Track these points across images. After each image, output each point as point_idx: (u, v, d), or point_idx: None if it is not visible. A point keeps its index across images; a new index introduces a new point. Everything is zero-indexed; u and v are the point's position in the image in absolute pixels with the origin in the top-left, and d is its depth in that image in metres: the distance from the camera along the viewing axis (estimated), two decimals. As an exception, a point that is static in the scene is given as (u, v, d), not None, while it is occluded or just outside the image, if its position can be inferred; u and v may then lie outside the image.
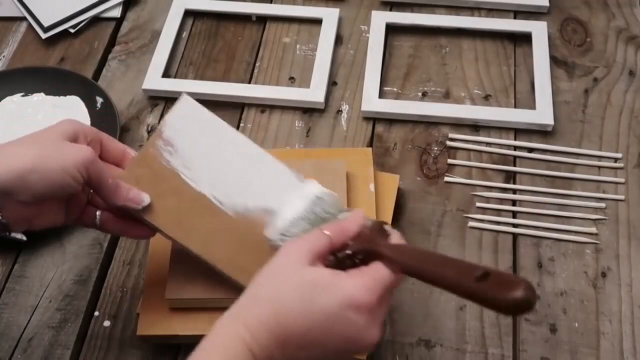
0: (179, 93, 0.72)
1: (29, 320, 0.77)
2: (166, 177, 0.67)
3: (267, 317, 0.54)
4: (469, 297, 0.51)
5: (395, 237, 0.60)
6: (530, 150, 0.88)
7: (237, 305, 0.56)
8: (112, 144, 0.68)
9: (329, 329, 0.54)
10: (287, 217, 0.66)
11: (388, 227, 0.60)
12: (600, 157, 0.88)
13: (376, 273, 0.56)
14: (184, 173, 0.68)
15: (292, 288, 0.55)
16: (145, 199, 0.65)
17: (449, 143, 0.89)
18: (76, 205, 0.66)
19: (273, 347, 0.54)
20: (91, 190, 0.66)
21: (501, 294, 0.48)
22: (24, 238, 0.81)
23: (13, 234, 0.80)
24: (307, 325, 0.54)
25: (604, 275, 0.79)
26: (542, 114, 0.90)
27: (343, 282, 0.55)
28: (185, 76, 0.97)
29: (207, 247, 0.67)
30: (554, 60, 0.96)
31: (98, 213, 0.67)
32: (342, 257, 0.59)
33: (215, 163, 0.68)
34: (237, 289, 0.70)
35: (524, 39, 0.98)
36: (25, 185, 0.59)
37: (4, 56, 1.00)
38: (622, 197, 0.84)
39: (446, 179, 0.86)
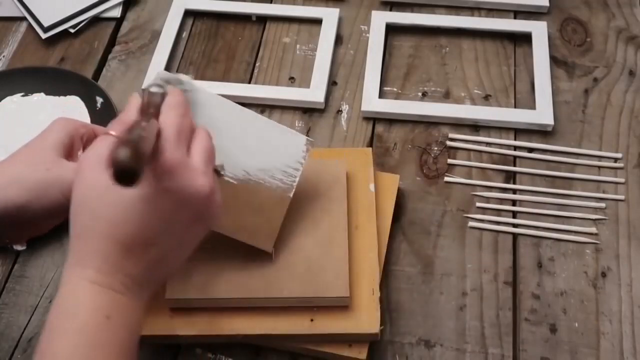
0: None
1: (29, 320, 0.77)
2: None
3: (99, 244, 0.52)
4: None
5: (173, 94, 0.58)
6: (530, 150, 0.88)
7: (70, 251, 0.54)
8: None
9: (154, 209, 0.53)
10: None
11: (154, 89, 0.58)
12: (600, 157, 0.88)
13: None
14: None
15: (104, 201, 0.52)
16: None
17: (449, 143, 0.89)
18: None
19: (117, 263, 0.53)
20: None
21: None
22: (25, 246, 0.81)
23: (14, 245, 0.80)
24: (134, 219, 0.53)
25: (604, 275, 0.79)
26: (542, 114, 0.90)
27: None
28: (185, 76, 0.97)
29: None
30: (554, 60, 0.96)
31: None
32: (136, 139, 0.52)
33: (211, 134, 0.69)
34: (237, 288, 0.70)
35: (524, 39, 0.98)
36: (26, 214, 0.60)
37: (4, 56, 1.00)
38: (622, 197, 0.84)
39: (446, 179, 0.86)
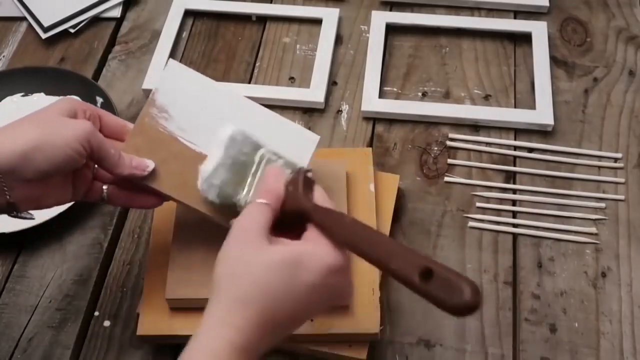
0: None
1: (29, 320, 0.77)
2: (165, 143, 0.68)
3: (258, 315, 0.53)
4: (413, 291, 0.51)
5: (318, 191, 0.60)
6: (530, 150, 0.88)
7: (220, 311, 0.55)
8: (111, 119, 0.69)
9: (313, 299, 0.55)
10: (207, 169, 0.65)
11: (311, 174, 0.60)
12: (600, 157, 0.88)
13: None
14: (181, 136, 0.68)
15: (272, 276, 0.54)
16: (150, 164, 0.66)
17: (449, 143, 0.89)
18: (83, 181, 0.67)
19: (263, 335, 0.54)
20: (96, 165, 0.67)
21: (446, 296, 0.47)
22: (33, 217, 0.80)
23: (22, 214, 0.79)
24: (295, 303, 0.54)
25: (604, 275, 0.79)
26: (542, 114, 0.90)
27: (314, 252, 0.55)
28: (185, 76, 0.97)
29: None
30: (554, 60, 0.96)
31: (105, 187, 0.68)
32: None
33: (209, 121, 0.69)
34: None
35: (524, 39, 0.98)
36: (30, 163, 0.60)
37: (4, 56, 1.00)
38: (622, 197, 0.84)
39: (446, 179, 0.86)
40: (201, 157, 0.67)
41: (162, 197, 0.69)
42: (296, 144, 0.70)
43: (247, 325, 0.53)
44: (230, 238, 0.57)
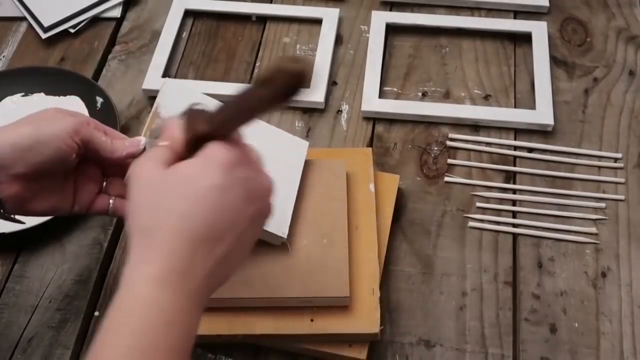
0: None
1: (29, 320, 0.77)
2: None
3: (167, 238, 0.49)
4: (270, 101, 0.51)
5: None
6: (530, 150, 0.88)
7: (132, 252, 0.50)
8: (116, 135, 0.68)
9: (225, 201, 0.51)
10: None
11: (199, 106, 0.58)
12: (600, 157, 0.88)
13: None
14: None
15: (170, 194, 0.50)
16: (142, 139, 0.66)
17: (449, 143, 0.89)
18: (86, 193, 0.67)
19: (188, 263, 0.49)
20: (104, 182, 0.68)
21: (277, 79, 0.50)
22: (24, 222, 0.76)
23: (10, 215, 0.78)
24: (205, 213, 0.50)
25: (604, 275, 0.79)
26: (542, 114, 0.90)
27: (207, 157, 0.52)
28: (185, 76, 0.97)
29: None
30: (554, 60, 0.96)
31: (111, 201, 0.68)
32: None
33: None
34: (237, 289, 0.70)
35: (524, 39, 0.98)
36: (20, 155, 0.60)
37: (4, 56, 1.00)
38: (622, 197, 0.84)
39: (446, 179, 0.86)
40: None
41: None
42: (289, 150, 0.77)
43: (160, 255, 0.49)
44: (130, 186, 0.53)
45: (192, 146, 0.54)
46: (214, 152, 0.52)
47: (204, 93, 0.90)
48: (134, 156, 0.65)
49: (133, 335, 0.47)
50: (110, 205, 0.68)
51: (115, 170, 0.68)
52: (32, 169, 0.61)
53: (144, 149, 0.66)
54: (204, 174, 0.51)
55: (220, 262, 0.51)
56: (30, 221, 0.79)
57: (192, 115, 0.55)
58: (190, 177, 0.51)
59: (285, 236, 0.71)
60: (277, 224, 0.71)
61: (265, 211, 0.55)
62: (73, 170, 0.66)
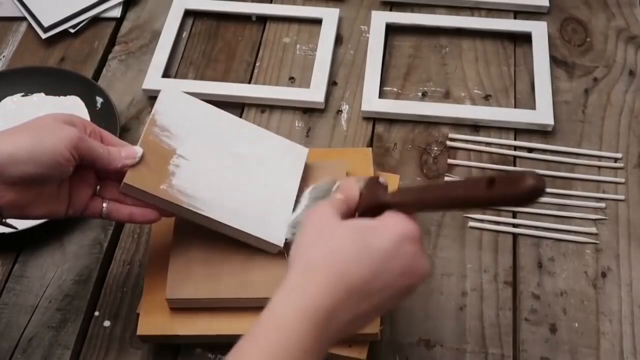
0: (179, 93, 0.73)
1: (29, 320, 0.77)
2: (168, 158, 0.70)
3: (329, 279, 0.53)
4: (486, 204, 0.53)
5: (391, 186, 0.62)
6: (530, 150, 0.88)
7: (290, 281, 0.55)
8: (112, 140, 0.69)
9: (388, 266, 0.54)
10: (293, 216, 0.71)
11: (382, 179, 0.62)
12: (600, 157, 0.88)
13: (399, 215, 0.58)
14: (181, 154, 0.71)
15: (342, 241, 0.55)
16: (138, 150, 0.67)
17: (449, 143, 0.89)
18: (81, 197, 0.67)
19: (337, 302, 0.53)
20: (98, 187, 0.68)
21: (514, 189, 0.50)
22: (16, 227, 0.75)
23: (4, 221, 0.78)
24: (368, 269, 0.54)
25: (604, 275, 0.79)
26: (542, 114, 0.90)
27: (387, 221, 0.56)
28: (185, 76, 0.97)
29: (219, 210, 0.70)
30: (554, 60, 0.96)
31: (105, 204, 0.68)
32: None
33: (209, 139, 0.73)
34: (237, 289, 0.70)
35: (524, 39, 0.98)
36: (17, 165, 0.60)
37: (4, 56, 1.00)
38: (622, 197, 0.84)
39: (446, 179, 0.86)
40: None
41: (160, 213, 0.69)
42: (289, 156, 0.76)
43: (317, 291, 0.53)
44: (304, 225, 0.59)
45: (365, 209, 0.59)
46: (395, 221, 0.56)
47: (203, 93, 0.91)
48: (130, 166, 0.67)
49: (265, 355, 0.51)
50: (104, 208, 0.68)
51: (109, 174, 0.68)
52: (29, 179, 0.61)
53: (140, 160, 0.67)
54: (379, 236, 0.55)
55: (360, 316, 0.55)
56: (30, 222, 0.79)
57: (372, 183, 0.61)
58: (365, 233, 0.55)
59: (282, 245, 0.71)
60: (274, 233, 0.71)
61: (412, 290, 0.57)
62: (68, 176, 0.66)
